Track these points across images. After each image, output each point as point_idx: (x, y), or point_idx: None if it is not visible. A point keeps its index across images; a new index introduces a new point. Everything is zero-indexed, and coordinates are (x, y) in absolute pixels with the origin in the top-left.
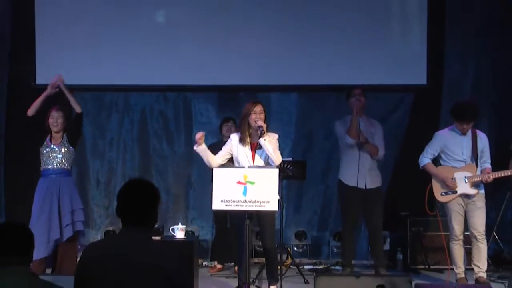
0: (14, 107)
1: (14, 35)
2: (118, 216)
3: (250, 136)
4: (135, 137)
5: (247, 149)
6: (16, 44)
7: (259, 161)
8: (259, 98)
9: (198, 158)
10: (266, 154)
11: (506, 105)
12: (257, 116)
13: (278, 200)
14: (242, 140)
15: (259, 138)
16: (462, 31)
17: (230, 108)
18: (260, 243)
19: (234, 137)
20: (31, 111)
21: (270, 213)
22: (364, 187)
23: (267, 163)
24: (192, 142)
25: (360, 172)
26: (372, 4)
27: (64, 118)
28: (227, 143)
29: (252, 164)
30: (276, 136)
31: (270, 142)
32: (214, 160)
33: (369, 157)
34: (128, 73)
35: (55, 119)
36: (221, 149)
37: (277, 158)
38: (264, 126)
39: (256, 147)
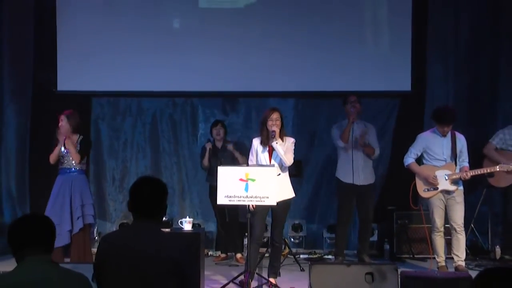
0: (38, 113)
1: (38, 45)
2: (130, 210)
3: (268, 140)
4: (147, 139)
5: (265, 152)
6: (40, 54)
7: (274, 162)
8: (257, 103)
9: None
10: None
11: (482, 109)
12: (273, 123)
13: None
14: (262, 143)
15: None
16: (443, 41)
17: (233, 112)
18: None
19: (255, 141)
20: (52, 160)
21: (284, 207)
22: (359, 184)
23: (281, 164)
24: (197, 143)
25: (355, 170)
26: (362, 18)
27: (69, 124)
28: (251, 149)
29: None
30: (292, 140)
31: (283, 145)
32: None
33: (363, 156)
34: (141, 80)
35: (60, 126)
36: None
37: (287, 159)
38: (277, 131)
39: (272, 150)
